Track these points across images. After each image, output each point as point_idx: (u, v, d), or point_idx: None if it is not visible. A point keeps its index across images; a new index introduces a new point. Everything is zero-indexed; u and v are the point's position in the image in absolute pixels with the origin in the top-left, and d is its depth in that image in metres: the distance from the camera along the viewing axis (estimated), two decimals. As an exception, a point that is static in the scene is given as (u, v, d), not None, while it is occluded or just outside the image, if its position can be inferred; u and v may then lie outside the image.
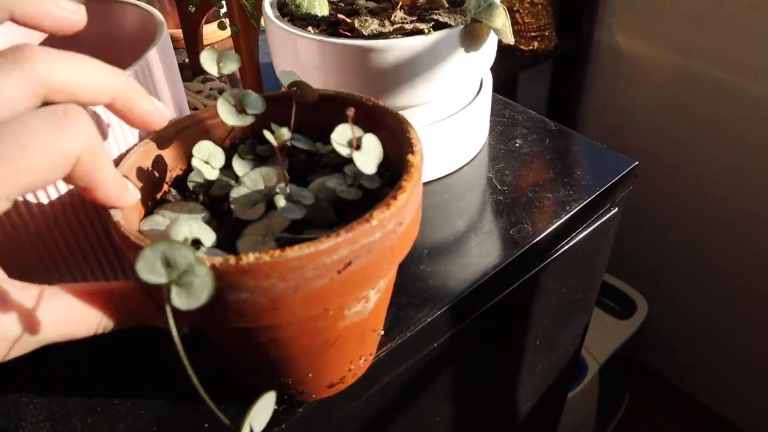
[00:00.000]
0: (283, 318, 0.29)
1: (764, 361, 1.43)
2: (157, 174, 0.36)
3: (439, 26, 0.48)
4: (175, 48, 0.81)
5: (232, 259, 0.26)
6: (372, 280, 0.30)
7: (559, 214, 0.51)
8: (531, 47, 1.21)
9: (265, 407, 0.29)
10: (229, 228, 0.33)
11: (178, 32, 0.79)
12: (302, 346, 0.32)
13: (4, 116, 0.26)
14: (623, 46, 1.31)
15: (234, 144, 0.39)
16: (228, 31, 0.83)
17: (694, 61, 1.22)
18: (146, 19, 0.46)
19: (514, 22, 1.21)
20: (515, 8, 1.20)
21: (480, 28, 0.50)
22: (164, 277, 0.25)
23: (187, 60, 0.78)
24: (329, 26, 0.52)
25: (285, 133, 0.32)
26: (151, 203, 0.36)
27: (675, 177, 1.38)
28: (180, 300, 0.25)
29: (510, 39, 0.51)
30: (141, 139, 0.38)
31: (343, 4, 0.55)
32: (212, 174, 0.35)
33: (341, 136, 0.33)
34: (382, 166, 0.36)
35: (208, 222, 0.33)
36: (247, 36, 0.64)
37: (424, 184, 0.56)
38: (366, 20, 0.49)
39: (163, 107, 0.33)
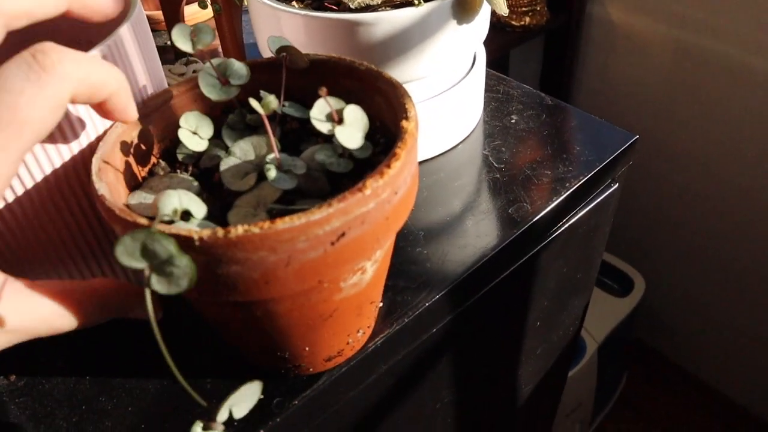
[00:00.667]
0: (276, 291, 0.27)
1: (760, 338, 1.43)
2: (143, 147, 0.34)
3: (430, -3, 0.47)
4: (156, 30, 0.79)
5: (220, 232, 0.25)
6: (367, 252, 0.29)
7: (558, 191, 0.50)
8: (522, 22, 1.20)
9: (248, 395, 0.28)
10: (219, 200, 0.32)
11: (159, 14, 0.77)
12: (298, 319, 0.31)
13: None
14: (616, 19, 1.29)
15: (225, 113, 0.37)
16: (209, 11, 0.81)
17: (689, 33, 1.20)
18: None
19: None
20: (506, -16, 1.18)
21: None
22: (144, 264, 0.23)
23: (168, 42, 0.76)
24: (314, 0, 0.50)
25: (272, 100, 0.31)
26: (140, 177, 0.34)
27: (671, 152, 1.37)
28: (160, 285, 0.24)
29: (504, 9, 0.49)
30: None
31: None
32: (200, 145, 0.34)
33: (320, 111, 0.31)
34: (377, 133, 0.34)
35: (198, 194, 0.32)
36: (230, 15, 0.62)
37: (418, 163, 0.54)
38: (355, -8, 0.48)
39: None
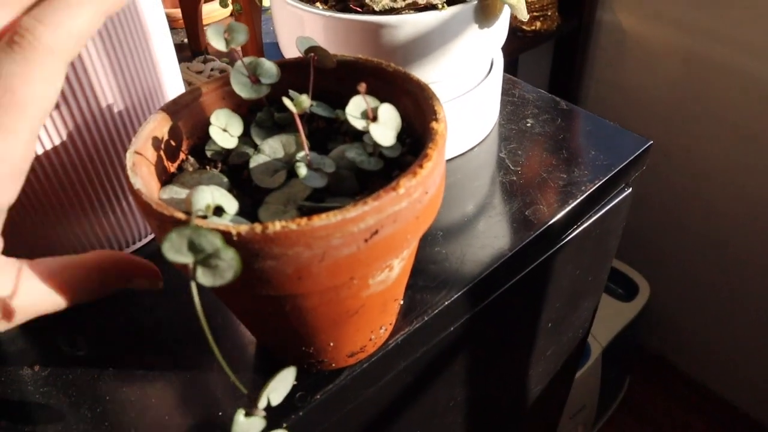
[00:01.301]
0: (308, 287, 0.28)
1: (764, 345, 1.43)
2: (173, 143, 0.35)
3: (452, 2, 0.47)
4: (173, 28, 0.80)
5: (258, 228, 0.25)
6: (397, 250, 0.29)
7: (574, 195, 0.50)
8: (533, 27, 1.20)
9: (284, 381, 0.28)
10: (249, 197, 0.32)
11: (177, 11, 0.78)
12: (325, 314, 0.31)
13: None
14: (626, 26, 1.30)
15: (252, 111, 0.38)
16: (229, 10, 0.82)
17: (698, 41, 1.21)
18: None
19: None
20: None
21: (494, 4, 0.49)
22: (190, 258, 0.24)
23: (185, 40, 0.77)
24: (338, 2, 0.51)
25: (305, 100, 0.31)
26: (169, 172, 0.35)
27: (678, 159, 1.38)
28: (205, 278, 0.24)
29: (524, 15, 0.50)
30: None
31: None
32: (230, 142, 0.34)
33: (356, 108, 0.32)
34: (404, 133, 0.35)
35: (229, 190, 0.32)
36: (250, 15, 0.63)
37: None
38: (378, -5, 0.48)
39: None
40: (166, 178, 0.34)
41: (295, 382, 0.37)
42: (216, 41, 0.33)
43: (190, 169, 0.35)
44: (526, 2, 1.21)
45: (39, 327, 0.43)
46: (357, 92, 0.32)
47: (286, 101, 0.31)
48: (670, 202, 1.45)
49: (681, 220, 1.44)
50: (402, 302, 0.42)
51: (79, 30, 0.28)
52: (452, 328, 0.45)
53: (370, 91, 0.35)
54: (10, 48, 0.26)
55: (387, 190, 0.27)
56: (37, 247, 0.43)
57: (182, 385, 0.39)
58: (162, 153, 0.34)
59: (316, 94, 0.38)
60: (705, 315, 1.52)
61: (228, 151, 0.36)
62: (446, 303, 0.42)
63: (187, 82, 0.65)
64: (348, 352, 0.37)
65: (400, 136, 0.35)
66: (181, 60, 0.72)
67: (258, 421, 0.28)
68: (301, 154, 0.32)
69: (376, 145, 0.32)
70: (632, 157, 0.54)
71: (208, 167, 0.35)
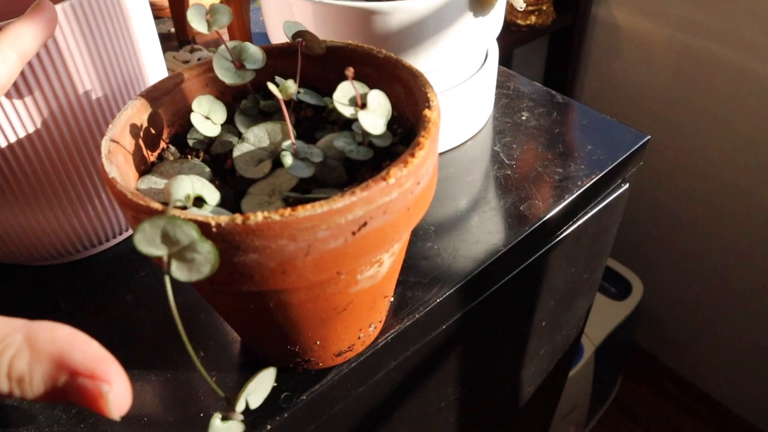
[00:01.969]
0: (293, 282, 0.26)
1: (756, 346, 1.42)
2: (153, 131, 0.33)
3: (447, -12, 0.46)
4: (160, 17, 0.78)
5: (238, 218, 0.24)
6: (387, 243, 0.28)
7: (570, 190, 0.49)
8: (528, 21, 1.18)
9: (263, 383, 0.27)
10: (232, 187, 0.31)
11: (163, 0, 0.76)
12: (311, 312, 0.30)
13: None
14: (621, 22, 1.28)
15: (236, 99, 0.36)
16: None
17: (694, 37, 1.20)
18: None
19: None
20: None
21: (490, -8, 0.47)
22: (164, 250, 0.22)
23: (172, 30, 0.75)
24: (330, -12, 0.49)
25: (291, 85, 0.30)
26: (149, 162, 0.33)
27: (673, 156, 1.37)
28: (180, 272, 0.23)
29: (521, 4, 0.49)
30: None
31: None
32: (213, 130, 0.32)
33: (344, 94, 0.30)
34: (394, 122, 0.33)
35: (211, 180, 0.30)
36: (238, 3, 0.61)
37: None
38: (370, -19, 0.47)
39: None
40: (145, 168, 0.33)
41: (275, 384, 0.35)
42: (197, 23, 0.31)
43: (171, 158, 0.33)
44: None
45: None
46: (346, 79, 0.30)
47: (272, 87, 0.29)
48: (664, 200, 1.44)
49: (674, 218, 1.44)
50: (392, 299, 0.40)
51: None
52: (444, 326, 0.44)
53: (360, 78, 0.34)
54: None
55: (376, 179, 0.25)
56: (8, 242, 0.41)
57: (163, 385, 0.37)
58: (141, 141, 0.32)
59: (304, 82, 0.37)
60: (698, 315, 1.52)
61: (211, 140, 0.34)
62: (438, 300, 0.41)
63: (173, 72, 0.64)
64: (335, 351, 0.35)
65: (391, 126, 0.33)
66: (167, 49, 0.70)
67: (235, 426, 0.26)
68: (287, 143, 0.30)
69: (365, 133, 0.30)
70: (629, 152, 0.53)
71: (189, 156, 0.33)
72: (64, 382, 0.21)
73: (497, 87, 0.62)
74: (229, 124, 0.34)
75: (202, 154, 0.34)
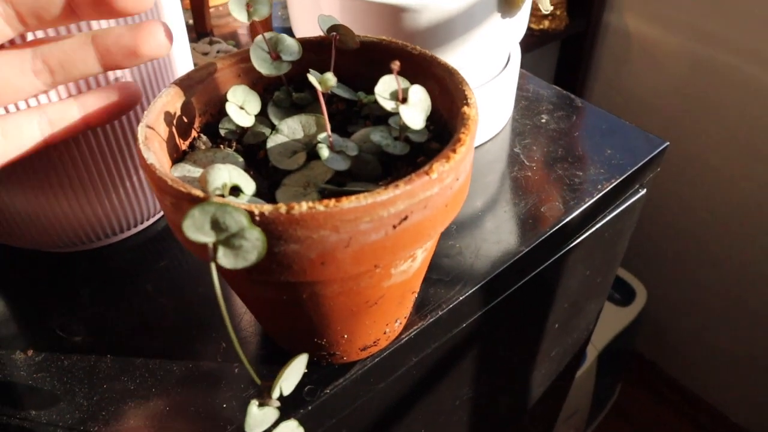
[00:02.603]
0: (330, 274, 0.26)
1: (757, 357, 1.43)
2: (185, 119, 0.33)
3: (475, -12, 0.46)
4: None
5: (282, 208, 0.23)
6: (424, 238, 0.28)
7: (591, 193, 0.49)
8: (542, 26, 1.19)
9: (295, 370, 0.27)
10: (265, 178, 0.30)
11: (185, -7, 0.76)
12: (343, 304, 0.30)
13: None
14: (632, 29, 1.28)
15: (267, 91, 0.36)
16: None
17: (705, 46, 1.20)
18: None
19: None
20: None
21: (517, -7, 0.47)
22: (212, 237, 0.22)
23: (191, 21, 0.75)
24: (357, -16, 0.49)
25: (330, 78, 0.30)
26: (180, 150, 0.33)
27: (682, 164, 1.37)
28: (227, 259, 0.22)
29: (548, 6, 0.49)
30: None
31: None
32: (247, 120, 0.32)
33: (386, 88, 0.30)
34: (428, 119, 0.33)
35: (245, 170, 0.30)
36: (263, -3, 0.61)
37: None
38: (399, -22, 0.47)
39: None
40: (177, 156, 0.33)
41: (306, 370, 0.35)
42: (238, 12, 0.31)
43: (203, 147, 0.33)
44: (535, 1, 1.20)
45: (34, 310, 0.41)
46: (379, 75, 0.30)
47: (312, 78, 0.29)
48: (671, 207, 1.44)
49: (681, 225, 1.44)
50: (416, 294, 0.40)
51: None
52: (464, 325, 0.44)
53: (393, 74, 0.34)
54: None
55: (419, 174, 0.25)
56: (31, 228, 0.41)
57: (184, 374, 0.37)
58: (174, 129, 0.32)
59: (337, 75, 0.36)
60: (701, 323, 1.52)
61: (243, 130, 0.34)
62: (460, 298, 0.41)
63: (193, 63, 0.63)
64: (361, 345, 0.35)
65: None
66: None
67: (272, 412, 0.26)
68: (322, 136, 0.30)
69: (402, 128, 0.30)
70: (648, 158, 0.53)
71: (221, 146, 0.33)
72: None
73: (517, 89, 0.62)
74: (261, 116, 0.34)
75: (234, 144, 0.34)
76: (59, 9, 0.29)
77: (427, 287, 0.41)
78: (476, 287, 0.41)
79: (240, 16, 0.31)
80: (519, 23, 0.50)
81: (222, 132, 0.34)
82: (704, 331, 1.52)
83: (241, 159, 0.32)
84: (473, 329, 0.45)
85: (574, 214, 0.47)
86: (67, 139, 0.34)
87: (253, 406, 0.25)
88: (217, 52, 0.67)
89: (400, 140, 0.31)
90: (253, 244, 0.22)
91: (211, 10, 0.77)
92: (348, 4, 0.45)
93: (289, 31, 0.54)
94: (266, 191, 0.30)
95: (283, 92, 0.35)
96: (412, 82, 0.33)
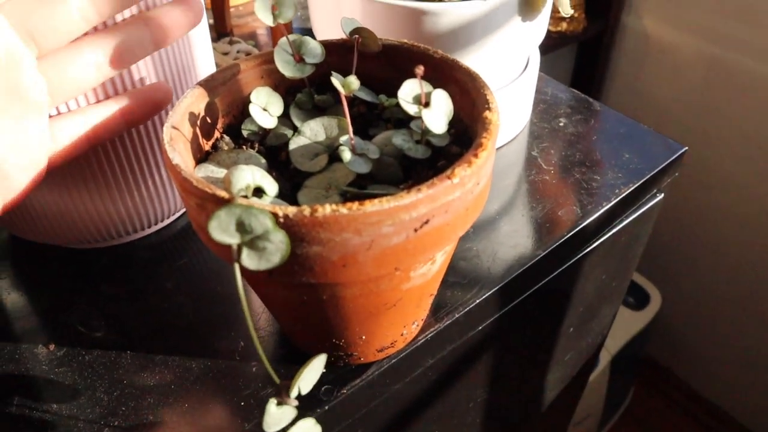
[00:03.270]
0: (351, 276, 0.26)
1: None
2: (209, 120, 0.33)
3: (496, -9, 0.46)
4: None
5: (306, 210, 0.24)
6: (444, 241, 0.28)
7: (608, 197, 0.49)
8: (559, 29, 1.18)
9: (314, 370, 0.27)
10: (287, 179, 0.31)
11: (205, -7, 0.76)
12: (363, 306, 0.30)
13: None
14: (650, 31, 1.28)
15: (288, 92, 0.36)
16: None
17: (723, 49, 1.19)
18: None
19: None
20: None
21: (537, -3, 0.47)
22: (237, 238, 0.23)
23: (211, 21, 0.75)
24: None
25: (353, 81, 0.30)
26: (204, 150, 0.33)
27: (699, 169, 1.36)
28: (251, 261, 0.23)
29: (568, 9, 0.49)
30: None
31: (390, -34, 0.53)
32: (270, 122, 0.33)
33: (409, 92, 0.30)
34: (449, 123, 0.34)
35: (267, 171, 0.31)
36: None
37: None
38: (420, -19, 0.47)
39: None
40: (200, 156, 0.33)
41: (324, 370, 0.36)
42: (263, 14, 0.31)
43: (226, 148, 0.34)
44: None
45: (56, 305, 0.42)
46: (400, 78, 0.31)
47: (335, 82, 0.30)
48: (687, 212, 1.43)
49: (697, 229, 1.43)
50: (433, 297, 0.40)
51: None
52: (480, 328, 0.44)
53: (414, 78, 0.34)
54: None
55: (441, 178, 0.25)
56: (54, 223, 0.42)
57: (203, 372, 0.38)
58: (198, 130, 0.33)
59: (358, 78, 0.37)
60: (716, 329, 1.51)
61: (265, 132, 0.34)
62: (477, 301, 0.41)
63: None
64: (378, 347, 0.35)
65: (446, 125, 0.33)
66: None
67: (290, 411, 0.26)
68: (344, 138, 0.30)
69: (424, 132, 0.31)
70: (667, 163, 0.53)
71: (244, 147, 0.34)
72: None
73: (535, 92, 0.62)
74: (283, 117, 0.35)
75: (256, 145, 0.34)
76: None
77: (444, 290, 0.41)
78: (492, 290, 0.42)
79: (266, 19, 0.31)
80: (539, 27, 0.50)
81: (245, 133, 0.34)
82: (719, 337, 1.51)
83: (263, 160, 0.32)
84: (489, 332, 0.46)
85: (591, 219, 0.47)
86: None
87: (272, 405, 0.25)
88: (237, 52, 0.67)
89: (422, 144, 0.31)
90: (277, 246, 0.22)
91: (231, 10, 0.77)
92: (369, 6, 0.45)
93: (309, 32, 0.55)
94: (288, 193, 0.30)
95: (305, 94, 0.35)
96: (434, 86, 0.33)
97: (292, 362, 0.38)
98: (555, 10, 1.19)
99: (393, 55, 0.36)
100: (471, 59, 0.47)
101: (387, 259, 0.26)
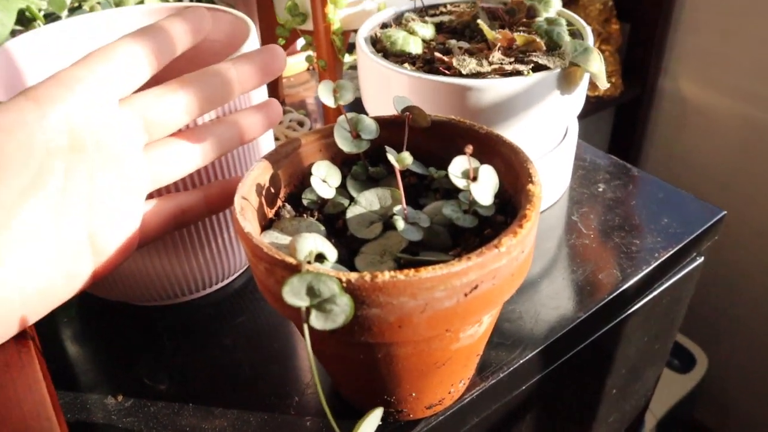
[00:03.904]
0: (406, 336, 0.29)
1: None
2: (273, 190, 0.37)
3: (536, 68, 0.49)
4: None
5: (367, 276, 0.26)
6: (491, 305, 0.30)
7: (648, 261, 0.51)
8: (597, 93, 1.21)
9: (371, 424, 0.29)
10: (344, 246, 0.34)
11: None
12: (414, 365, 0.32)
13: None
14: (687, 93, 1.30)
15: (344, 164, 0.40)
16: (300, 64, 0.85)
17: (761, 111, 1.20)
18: (236, 25, 0.48)
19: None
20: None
21: (575, 72, 0.50)
22: (306, 301, 0.25)
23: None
24: (425, 64, 0.53)
25: (407, 157, 0.33)
26: (267, 218, 0.37)
27: (740, 228, 1.35)
28: (318, 322, 0.26)
29: (605, 84, 0.51)
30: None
31: (435, 44, 0.56)
32: (329, 192, 0.36)
33: (458, 168, 0.33)
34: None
35: (326, 238, 0.34)
36: (333, 71, 0.66)
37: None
38: (464, 59, 0.50)
39: None
40: (264, 223, 0.36)
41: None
42: (326, 97, 0.35)
43: (287, 216, 0.37)
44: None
45: (123, 359, 0.45)
46: (448, 151, 0.34)
47: (391, 158, 0.33)
48: (730, 273, 1.41)
49: (741, 291, 1.41)
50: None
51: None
52: (524, 387, 0.45)
53: (460, 152, 0.37)
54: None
55: (489, 247, 0.28)
56: (120, 283, 0.45)
57: (260, 425, 0.40)
58: (263, 199, 0.36)
59: (409, 151, 0.40)
60: (762, 392, 1.46)
61: (323, 201, 0.37)
62: (520, 362, 0.43)
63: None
64: (427, 404, 0.37)
65: (491, 196, 0.36)
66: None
67: (350, 465, 0.28)
68: (398, 208, 0.33)
69: (472, 203, 0.33)
70: (705, 227, 0.54)
71: (305, 215, 0.37)
72: None
73: (574, 159, 0.64)
74: (340, 187, 0.38)
75: (315, 213, 0.37)
76: None
77: (489, 350, 0.43)
78: (535, 351, 0.43)
79: (328, 102, 0.35)
80: (577, 99, 0.53)
81: (305, 202, 0.37)
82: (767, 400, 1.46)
83: (322, 227, 0.35)
84: (532, 392, 0.47)
85: (631, 282, 0.49)
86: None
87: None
88: (290, 120, 0.72)
89: (469, 213, 0.33)
90: (342, 309, 0.25)
91: (283, 80, 0.82)
92: (417, 83, 0.49)
93: (358, 104, 0.58)
94: (345, 258, 0.33)
95: (360, 167, 0.38)
96: (480, 159, 0.36)
97: (343, 417, 0.40)
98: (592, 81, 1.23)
99: (441, 130, 0.39)
100: (513, 131, 0.50)
101: (439, 321, 0.29)
